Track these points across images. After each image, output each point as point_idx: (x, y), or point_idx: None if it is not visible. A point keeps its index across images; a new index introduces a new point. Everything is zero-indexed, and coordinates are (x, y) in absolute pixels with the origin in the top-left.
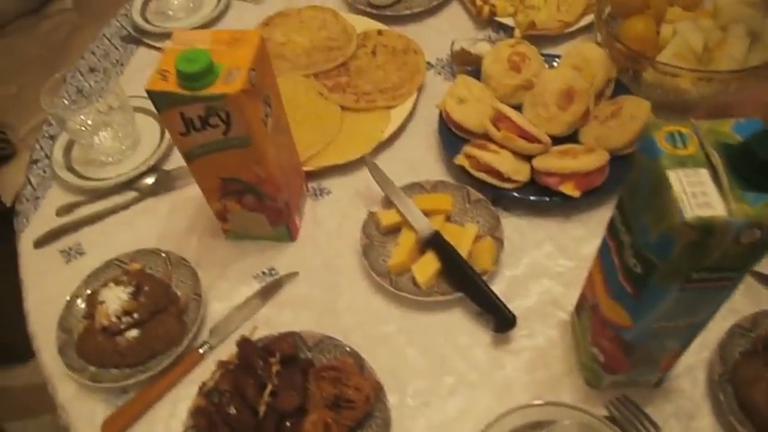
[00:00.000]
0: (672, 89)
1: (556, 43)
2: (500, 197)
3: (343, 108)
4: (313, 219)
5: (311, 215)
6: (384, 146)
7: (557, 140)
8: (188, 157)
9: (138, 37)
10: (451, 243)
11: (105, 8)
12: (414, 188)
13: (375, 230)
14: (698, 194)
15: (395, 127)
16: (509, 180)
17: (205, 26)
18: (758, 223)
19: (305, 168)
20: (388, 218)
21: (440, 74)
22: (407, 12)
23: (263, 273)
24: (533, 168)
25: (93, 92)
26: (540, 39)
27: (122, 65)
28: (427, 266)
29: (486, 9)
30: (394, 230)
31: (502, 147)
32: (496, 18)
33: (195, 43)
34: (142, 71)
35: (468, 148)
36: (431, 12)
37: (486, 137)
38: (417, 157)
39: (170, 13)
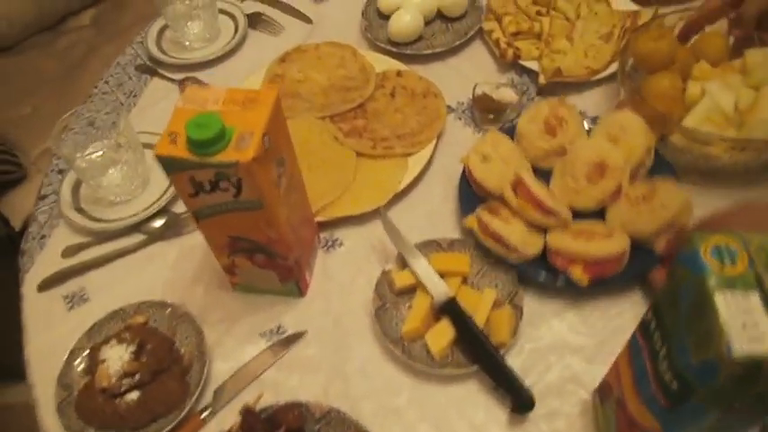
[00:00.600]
0: (701, 155)
1: (580, 90)
2: None
3: (359, 154)
4: (324, 272)
5: (322, 268)
6: (400, 195)
7: (581, 215)
8: (197, 216)
9: (152, 67)
10: (468, 310)
11: (124, 27)
12: (430, 246)
13: (388, 291)
14: (748, 325)
15: (412, 177)
16: (515, 251)
17: (222, 58)
18: None
19: (317, 219)
20: (402, 279)
21: (460, 119)
22: (428, 51)
23: (271, 331)
24: (546, 243)
25: (105, 124)
26: (565, 86)
27: (135, 96)
28: (441, 335)
29: (511, 52)
30: (409, 291)
31: (515, 214)
32: (520, 61)
33: (207, 103)
34: (156, 104)
35: (479, 211)
36: (452, 51)
37: (503, 200)
38: (434, 209)
39: (186, 43)
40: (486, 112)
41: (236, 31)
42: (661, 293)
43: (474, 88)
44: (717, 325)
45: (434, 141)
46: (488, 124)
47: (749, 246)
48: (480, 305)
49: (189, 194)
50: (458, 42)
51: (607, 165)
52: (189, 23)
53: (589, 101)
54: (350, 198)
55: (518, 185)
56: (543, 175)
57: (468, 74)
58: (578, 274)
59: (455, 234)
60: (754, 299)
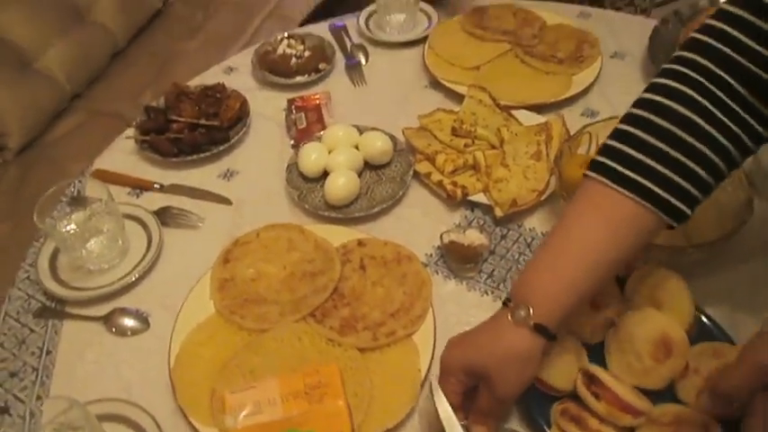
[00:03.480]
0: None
1: (532, 212)
2: None
3: (361, 350)
4: None
5: None
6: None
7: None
8: None
9: (57, 308)
10: None
11: None
12: None
13: None
14: None
15: (428, 358)
16: None
17: (144, 274)
18: None
19: None
20: None
21: (437, 273)
22: (377, 209)
23: None
24: None
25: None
26: (518, 214)
27: (50, 353)
28: None
29: (459, 192)
30: None
31: (602, 420)
32: (468, 198)
33: (262, 407)
34: (81, 356)
35: (564, 423)
36: (396, 203)
37: (577, 399)
38: None
39: (90, 266)
40: (462, 261)
41: (148, 237)
42: None
43: (441, 238)
44: None
45: (431, 310)
46: (469, 273)
47: None
48: None
49: None
50: (401, 192)
51: (671, 340)
52: (88, 243)
53: (542, 219)
54: (378, 408)
55: (593, 384)
56: (590, 348)
57: (419, 221)
58: None
59: None
60: None
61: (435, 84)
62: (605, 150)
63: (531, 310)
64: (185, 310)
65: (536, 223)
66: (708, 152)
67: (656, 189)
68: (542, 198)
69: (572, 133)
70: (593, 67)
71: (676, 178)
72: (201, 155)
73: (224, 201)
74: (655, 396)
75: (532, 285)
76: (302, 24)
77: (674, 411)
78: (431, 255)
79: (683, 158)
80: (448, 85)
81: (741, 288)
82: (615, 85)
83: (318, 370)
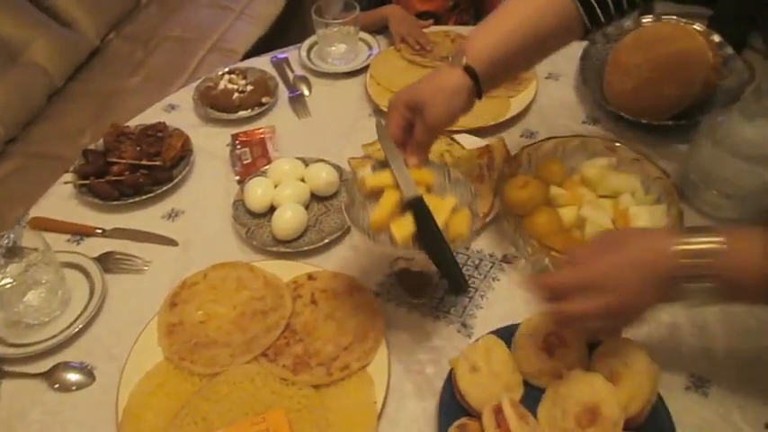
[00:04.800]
0: None
1: (478, 234)
2: None
3: (316, 387)
4: None
5: None
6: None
7: None
8: None
9: None
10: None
11: None
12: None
13: (358, 192)
14: None
15: (383, 391)
16: None
17: (88, 324)
18: None
19: None
20: (373, 180)
21: (390, 301)
22: (326, 240)
23: None
24: None
25: None
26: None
27: None
28: (406, 226)
29: None
30: (377, 194)
31: None
32: None
33: None
34: (24, 415)
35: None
36: (344, 233)
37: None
38: (417, 414)
39: (29, 320)
40: (413, 288)
41: (91, 285)
42: None
43: (391, 266)
44: None
45: (384, 341)
46: (421, 299)
47: None
48: (442, 208)
49: None
50: (347, 225)
51: (600, 413)
52: (26, 296)
53: (488, 241)
54: None
55: (500, 414)
56: (536, 392)
57: (369, 250)
58: None
59: None
60: None
61: (379, 112)
62: None
63: (465, 56)
64: (132, 360)
65: (483, 245)
66: None
67: None
68: (487, 220)
69: (512, 154)
70: (530, 88)
71: None
72: (144, 196)
73: (170, 242)
74: None
75: (470, 40)
76: (245, 58)
77: None
78: (382, 283)
79: None
80: None
81: None
82: (551, 105)
83: (265, 417)
